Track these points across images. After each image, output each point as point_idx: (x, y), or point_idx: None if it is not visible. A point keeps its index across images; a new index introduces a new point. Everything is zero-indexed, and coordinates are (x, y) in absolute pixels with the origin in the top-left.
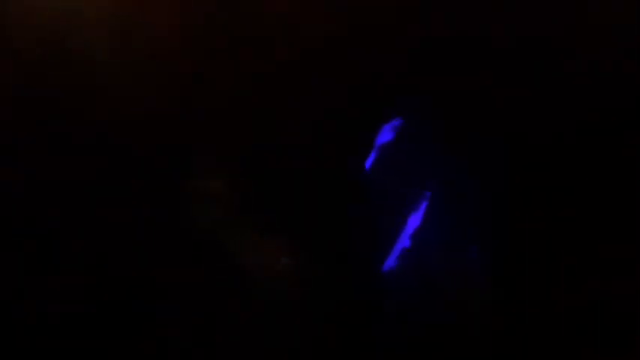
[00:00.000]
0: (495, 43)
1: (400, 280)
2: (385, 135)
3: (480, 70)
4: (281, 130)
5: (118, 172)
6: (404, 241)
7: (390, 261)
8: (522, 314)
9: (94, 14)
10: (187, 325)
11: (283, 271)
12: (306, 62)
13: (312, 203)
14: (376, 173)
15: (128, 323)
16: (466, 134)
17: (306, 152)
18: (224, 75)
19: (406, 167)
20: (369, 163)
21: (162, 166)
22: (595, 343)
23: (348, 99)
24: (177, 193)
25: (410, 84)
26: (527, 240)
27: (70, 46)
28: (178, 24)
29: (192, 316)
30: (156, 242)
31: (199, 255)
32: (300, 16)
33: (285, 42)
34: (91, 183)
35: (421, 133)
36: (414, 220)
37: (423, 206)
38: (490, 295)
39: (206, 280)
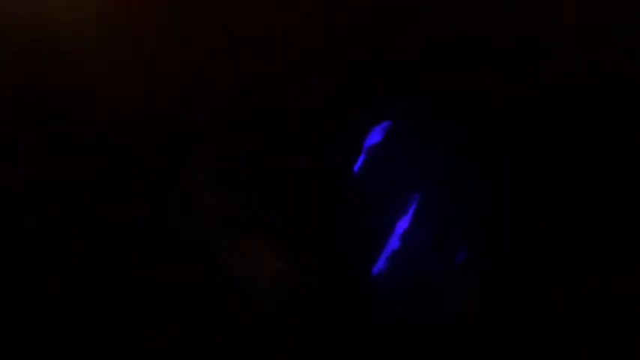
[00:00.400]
0: (495, 43)
1: (390, 282)
2: (375, 136)
3: (479, 70)
4: (278, 131)
5: (118, 172)
6: (393, 242)
7: (380, 262)
8: (522, 314)
9: (94, 14)
10: (187, 325)
11: (277, 272)
12: (306, 62)
13: (305, 205)
14: (367, 174)
15: (128, 323)
16: (466, 134)
17: (305, 153)
18: (224, 75)
19: (397, 168)
20: (359, 164)
21: (162, 166)
22: (595, 343)
23: (348, 99)
24: (177, 194)
25: (410, 84)
26: (527, 240)
27: (70, 45)
28: (178, 24)
29: (192, 316)
30: (156, 242)
31: (199, 255)
32: (300, 16)
33: (284, 42)
34: (91, 183)
35: (416, 132)
36: (404, 221)
37: (412, 207)
38: (487, 295)
39: (206, 280)
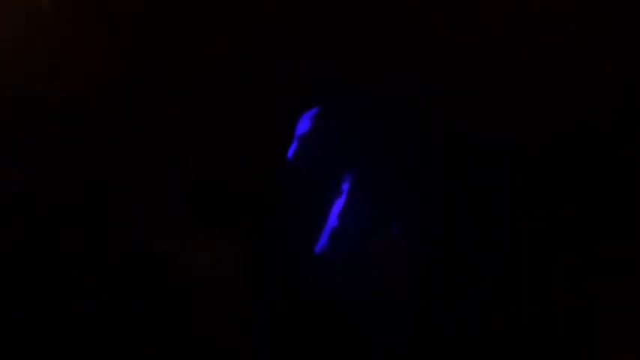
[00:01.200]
0: (495, 43)
1: (332, 259)
2: (305, 124)
3: (479, 70)
4: (266, 129)
5: (118, 172)
6: (332, 221)
7: (322, 242)
8: (522, 314)
9: (94, 15)
10: (186, 325)
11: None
12: (305, 64)
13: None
14: (301, 159)
15: (128, 323)
16: (466, 134)
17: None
18: (224, 75)
19: (330, 151)
20: (292, 150)
21: (162, 166)
22: (595, 343)
23: (347, 100)
24: (176, 194)
25: (409, 84)
26: (527, 240)
27: (70, 45)
28: (177, 24)
29: (191, 316)
30: (155, 242)
31: (197, 255)
32: (299, 16)
33: (284, 41)
34: (91, 183)
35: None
36: (340, 200)
37: (346, 185)
38: (487, 296)
39: (204, 280)
